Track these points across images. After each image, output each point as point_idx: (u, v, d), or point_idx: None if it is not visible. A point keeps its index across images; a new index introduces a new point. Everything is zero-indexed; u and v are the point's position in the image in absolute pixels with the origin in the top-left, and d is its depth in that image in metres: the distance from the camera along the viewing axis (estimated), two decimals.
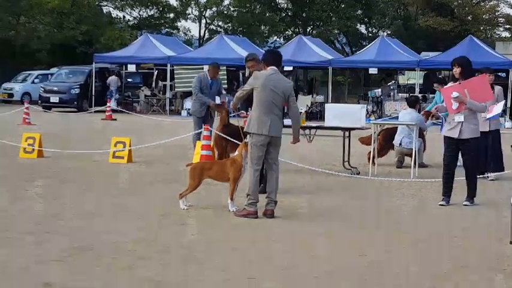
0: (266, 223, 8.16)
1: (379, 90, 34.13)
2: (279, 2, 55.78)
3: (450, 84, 10.18)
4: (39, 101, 33.42)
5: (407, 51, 33.24)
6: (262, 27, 55.11)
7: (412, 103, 14.15)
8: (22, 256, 6.36)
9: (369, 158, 13.17)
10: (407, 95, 31.68)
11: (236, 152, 9.00)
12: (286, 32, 56.35)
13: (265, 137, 8.46)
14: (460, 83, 9.61)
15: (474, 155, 9.68)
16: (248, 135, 8.68)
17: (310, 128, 12.38)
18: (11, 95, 38.03)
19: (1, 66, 41.52)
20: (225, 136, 12.54)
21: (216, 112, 13.62)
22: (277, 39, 56.68)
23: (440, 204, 9.56)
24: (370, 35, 54.97)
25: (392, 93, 32.72)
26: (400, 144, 13.77)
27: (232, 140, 12.25)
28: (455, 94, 9.50)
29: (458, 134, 9.53)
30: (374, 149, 12.97)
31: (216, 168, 9.00)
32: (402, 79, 37.58)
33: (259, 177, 8.68)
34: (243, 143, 8.87)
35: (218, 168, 9.00)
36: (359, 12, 54.10)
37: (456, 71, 9.69)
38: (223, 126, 12.88)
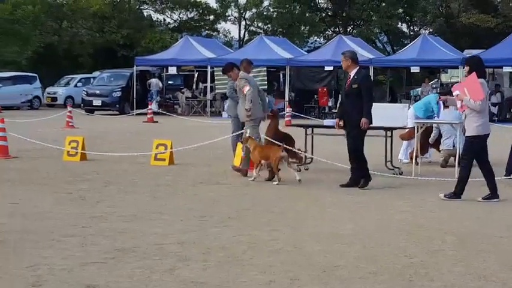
0: (306, 223, 8.11)
1: (421, 89, 33.84)
2: (319, 1, 55.72)
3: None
4: (82, 105, 33.91)
5: (450, 49, 32.87)
6: (302, 28, 55.04)
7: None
8: (66, 258, 6.42)
9: (411, 158, 13.03)
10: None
11: None
12: (327, 32, 56.23)
13: None
14: (460, 82, 9.83)
15: (467, 154, 9.73)
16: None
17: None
18: (54, 99, 38.66)
19: (45, 71, 42.19)
20: (275, 142, 12.95)
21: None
22: (317, 39, 56.61)
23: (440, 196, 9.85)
24: (411, 33, 54.59)
25: (431, 92, 32.36)
26: (454, 146, 13.41)
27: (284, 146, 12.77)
28: (456, 92, 9.81)
29: (464, 132, 9.88)
30: (417, 148, 12.84)
31: None
32: (445, 77, 37.18)
33: None
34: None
35: None
36: (400, 10, 53.69)
37: (466, 69, 10.00)
38: (274, 132, 12.98)
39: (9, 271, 5.99)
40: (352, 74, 10.75)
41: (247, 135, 11.77)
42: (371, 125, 12.06)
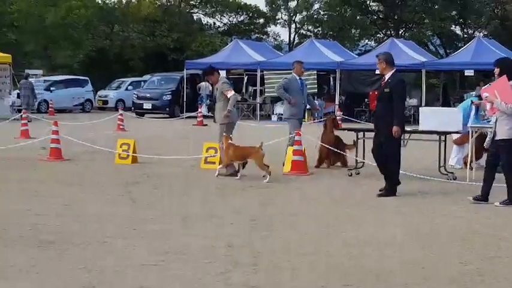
0: (356, 228, 7.99)
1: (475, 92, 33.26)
2: (370, 4, 55.16)
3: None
4: (133, 108, 34.24)
5: (506, 51, 32.18)
6: (353, 31, 54.64)
7: None
8: (117, 260, 6.43)
9: (465, 163, 12.78)
10: None
11: None
12: (378, 35, 55.65)
13: None
14: (490, 84, 9.63)
15: (506, 157, 9.56)
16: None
17: (405, 132, 12.07)
18: (105, 102, 39.16)
19: (97, 74, 42.78)
20: (328, 147, 13.20)
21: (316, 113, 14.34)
22: (369, 42, 56.08)
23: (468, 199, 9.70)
24: (465, 36, 53.60)
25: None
26: None
27: (333, 149, 13.50)
28: (485, 95, 9.65)
29: (494, 135, 9.65)
30: (471, 153, 12.56)
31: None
32: None
33: None
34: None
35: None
36: (454, 13, 52.77)
37: (496, 71, 9.70)
38: (330, 137, 13.42)
39: (62, 272, 6.03)
40: (387, 77, 10.39)
41: (224, 134, 12.34)
42: (425, 129, 11.86)
